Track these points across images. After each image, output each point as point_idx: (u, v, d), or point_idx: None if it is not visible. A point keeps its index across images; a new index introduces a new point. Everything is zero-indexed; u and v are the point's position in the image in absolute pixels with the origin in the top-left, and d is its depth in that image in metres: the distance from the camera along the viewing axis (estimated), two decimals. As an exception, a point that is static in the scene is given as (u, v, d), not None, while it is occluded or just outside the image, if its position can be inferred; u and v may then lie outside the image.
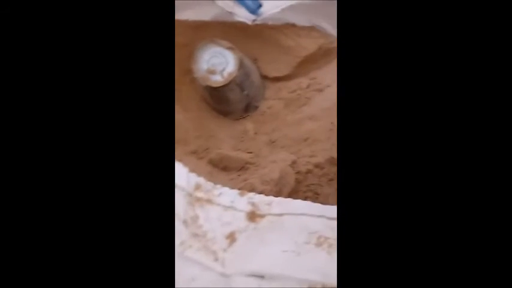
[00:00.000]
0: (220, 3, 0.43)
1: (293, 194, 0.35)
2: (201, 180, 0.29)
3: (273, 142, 0.43)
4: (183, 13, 0.46)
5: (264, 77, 0.48)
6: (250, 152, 0.42)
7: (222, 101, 0.45)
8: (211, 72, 0.42)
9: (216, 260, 0.25)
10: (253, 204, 0.28)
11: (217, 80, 0.41)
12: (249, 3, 0.43)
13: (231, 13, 0.43)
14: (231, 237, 0.26)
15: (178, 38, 0.46)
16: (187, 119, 0.45)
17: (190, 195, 0.27)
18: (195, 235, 0.26)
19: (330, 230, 0.26)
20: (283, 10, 0.42)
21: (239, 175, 0.38)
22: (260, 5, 0.43)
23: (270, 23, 0.44)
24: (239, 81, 0.43)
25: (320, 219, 0.26)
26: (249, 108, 0.46)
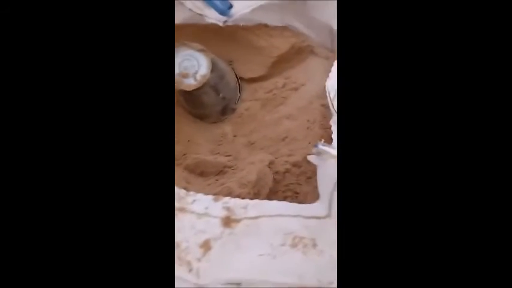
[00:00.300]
0: (189, 4, 0.42)
1: (272, 195, 0.35)
2: (177, 189, 0.28)
3: (252, 144, 0.43)
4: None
5: (240, 79, 0.47)
6: (229, 155, 0.42)
7: (197, 105, 0.44)
8: (184, 75, 0.41)
9: (191, 270, 0.25)
10: (228, 209, 0.27)
11: (191, 83, 0.41)
12: (218, 4, 0.42)
13: (201, 15, 0.43)
14: (206, 246, 0.26)
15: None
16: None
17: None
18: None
19: (305, 229, 0.25)
20: (253, 10, 0.42)
21: (217, 179, 0.37)
22: (230, 6, 0.43)
23: (241, 23, 0.44)
24: (213, 84, 0.42)
25: (296, 219, 0.26)
26: (226, 110, 0.46)
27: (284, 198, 0.34)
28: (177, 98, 0.45)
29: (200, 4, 0.43)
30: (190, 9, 0.42)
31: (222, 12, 0.42)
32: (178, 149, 0.43)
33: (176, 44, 0.41)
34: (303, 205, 0.27)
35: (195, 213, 0.26)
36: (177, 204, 0.27)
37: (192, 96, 0.42)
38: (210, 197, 0.28)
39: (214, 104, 0.44)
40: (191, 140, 0.44)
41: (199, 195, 0.28)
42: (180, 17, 0.44)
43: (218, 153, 0.43)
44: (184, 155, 0.42)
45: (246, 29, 0.45)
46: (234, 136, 0.45)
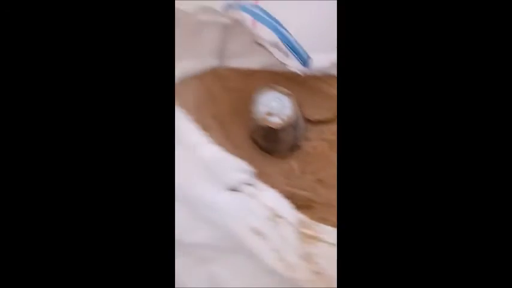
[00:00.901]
0: (276, 53, 0.48)
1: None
2: (303, 217, 0.30)
3: (321, 181, 0.46)
4: (236, 60, 0.51)
5: (306, 120, 0.52)
6: (305, 190, 0.44)
7: (273, 141, 0.48)
8: (270, 114, 0.45)
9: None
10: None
11: (277, 121, 0.45)
12: (301, 54, 0.48)
13: (282, 63, 0.48)
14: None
15: (231, 83, 0.50)
16: (237, 156, 0.47)
17: (298, 231, 0.28)
18: (317, 273, 0.26)
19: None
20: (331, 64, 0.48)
21: (305, 212, 0.39)
22: (309, 57, 0.49)
23: (317, 74, 0.50)
24: (293, 123, 0.46)
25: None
26: (293, 147, 0.50)
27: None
28: (253, 132, 0.48)
29: (282, 54, 0.49)
30: (272, 57, 0.48)
31: (304, 63, 0.48)
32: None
33: (265, 86, 0.46)
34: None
35: (327, 243, 0.28)
36: (310, 232, 0.28)
37: (273, 133, 0.46)
38: (330, 227, 0.29)
39: (288, 141, 0.48)
40: (263, 172, 0.47)
41: (322, 225, 0.30)
42: (261, 63, 0.50)
43: (291, 186, 0.45)
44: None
45: (318, 78, 0.50)
46: (302, 172, 0.48)
